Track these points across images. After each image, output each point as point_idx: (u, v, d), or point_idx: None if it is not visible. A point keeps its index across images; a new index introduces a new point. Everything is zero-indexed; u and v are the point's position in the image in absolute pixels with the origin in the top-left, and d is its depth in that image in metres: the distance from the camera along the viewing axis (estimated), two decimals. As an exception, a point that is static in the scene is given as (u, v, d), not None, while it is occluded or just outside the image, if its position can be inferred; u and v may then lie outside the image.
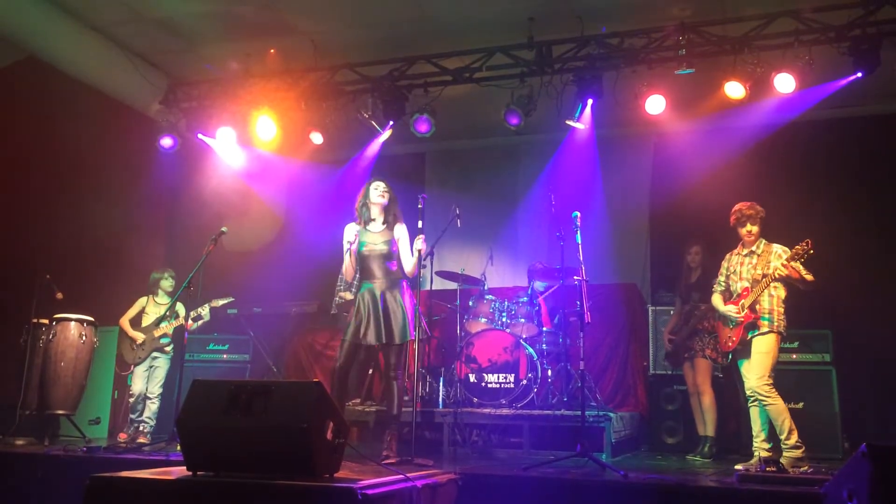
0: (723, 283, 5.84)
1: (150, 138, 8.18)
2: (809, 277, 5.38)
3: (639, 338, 8.06)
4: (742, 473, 4.71)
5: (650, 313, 7.75)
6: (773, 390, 5.37)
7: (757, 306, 5.51)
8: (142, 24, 7.40)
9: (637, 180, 9.00)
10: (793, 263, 5.33)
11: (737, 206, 5.75)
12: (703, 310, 6.58)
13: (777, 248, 5.59)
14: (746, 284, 5.60)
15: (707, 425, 6.53)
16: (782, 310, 5.51)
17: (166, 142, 8.14)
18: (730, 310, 5.65)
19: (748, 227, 5.67)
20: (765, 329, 5.46)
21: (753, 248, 5.68)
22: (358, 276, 5.65)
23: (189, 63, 8.11)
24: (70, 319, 7.15)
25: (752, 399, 5.54)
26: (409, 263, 5.56)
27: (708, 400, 6.54)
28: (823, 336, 6.86)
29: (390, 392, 5.52)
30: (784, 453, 5.30)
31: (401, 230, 5.63)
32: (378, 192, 5.61)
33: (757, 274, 5.57)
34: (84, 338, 7.15)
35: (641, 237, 8.93)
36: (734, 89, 6.77)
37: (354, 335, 5.41)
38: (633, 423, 7.30)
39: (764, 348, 5.45)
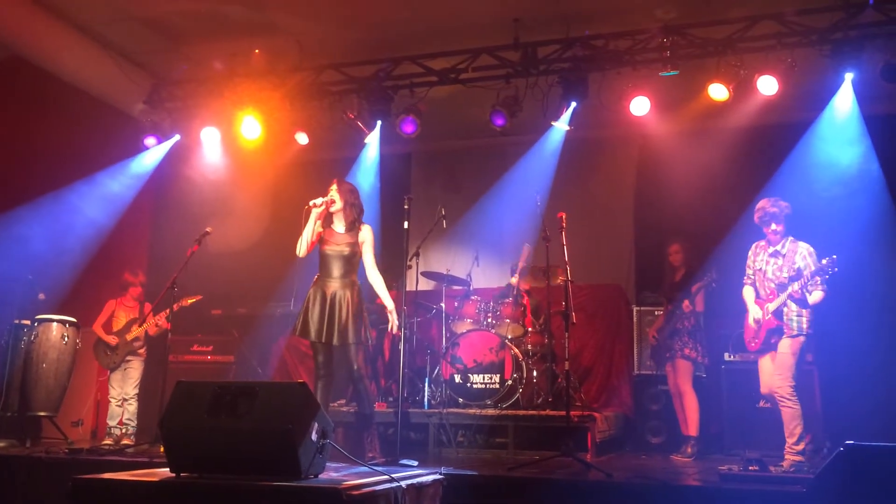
0: (751, 276, 5.71)
1: (133, 138, 8.13)
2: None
3: (624, 338, 8.09)
4: (725, 473, 4.74)
5: (635, 314, 7.77)
6: (795, 394, 5.32)
7: (784, 308, 5.42)
8: (126, 23, 7.34)
9: (622, 181, 9.05)
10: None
11: (760, 204, 5.60)
12: (683, 309, 6.60)
13: (803, 248, 5.46)
14: (772, 286, 5.50)
15: (689, 425, 6.55)
16: (808, 311, 5.41)
17: (150, 142, 8.11)
18: (753, 311, 5.59)
19: (773, 225, 5.54)
20: (793, 332, 5.39)
21: (779, 248, 5.54)
22: (318, 271, 5.59)
23: (173, 63, 8.05)
24: (52, 320, 7.10)
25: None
26: (372, 272, 5.55)
27: (689, 400, 6.55)
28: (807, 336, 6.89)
29: (357, 394, 5.57)
30: (787, 457, 5.27)
31: (365, 233, 5.58)
32: (333, 193, 5.58)
33: (783, 276, 5.46)
34: (66, 339, 7.10)
35: (626, 238, 8.97)
36: (718, 91, 6.82)
37: (304, 332, 5.42)
38: (618, 423, 7.33)
39: (789, 349, 5.38)
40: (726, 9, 6.73)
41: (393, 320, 5.58)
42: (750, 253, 5.77)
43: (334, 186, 5.60)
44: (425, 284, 7.94)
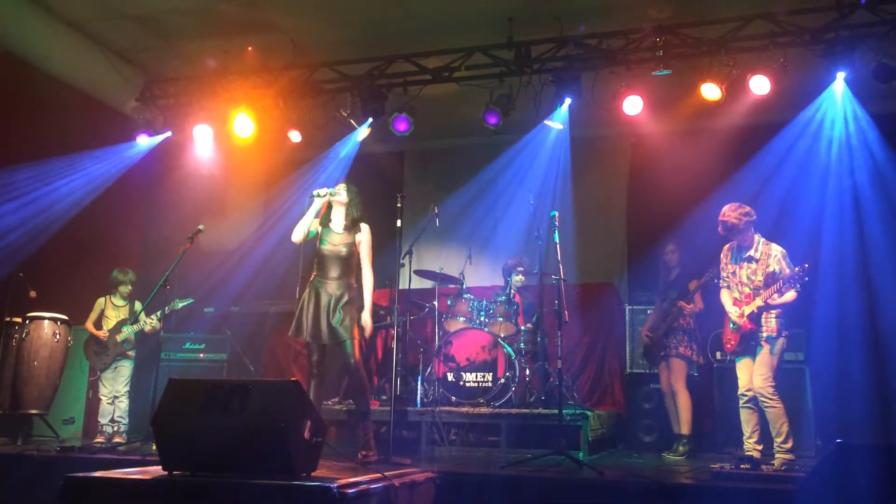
0: (727, 279, 5.70)
1: (126, 135, 8.09)
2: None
3: (616, 337, 8.11)
4: (717, 471, 4.76)
5: (627, 312, 7.80)
6: (776, 393, 5.32)
7: (763, 312, 5.39)
8: (118, 20, 7.32)
9: (615, 180, 9.06)
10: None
11: (722, 212, 5.56)
12: (679, 308, 6.63)
13: (776, 250, 5.45)
14: (748, 290, 5.49)
15: (682, 424, 6.58)
16: (781, 311, 5.40)
17: (142, 139, 8.07)
18: (732, 312, 5.57)
19: (738, 236, 5.54)
20: (773, 334, 5.38)
21: (752, 253, 5.52)
22: (315, 271, 5.59)
23: (166, 60, 8.03)
24: (44, 318, 7.06)
25: (746, 399, 5.47)
26: (366, 273, 5.56)
27: (683, 399, 6.58)
28: (797, 335, 6.93)
29: (353, 386, 5.60)
30: (777, 455, 5.29)
31: (363, 234, 5.59)
32: (340, 187, 5.63)
33: (758, 280, 5.45)
34: (58, 337, 7.07)
35: (619, 237, 8.99)
36: (710, 91, 6.83)
37: (297, 331, 5.43)
38: (610, 421, 7.35)
39: (770, 350, 5.37)
40: (719, 8, 6.75)
41: (365, 319, 5.50)
42: (722, 256, 5.77)
43: (343, 185, 5.67)
44: (418, 283, 7.94)
